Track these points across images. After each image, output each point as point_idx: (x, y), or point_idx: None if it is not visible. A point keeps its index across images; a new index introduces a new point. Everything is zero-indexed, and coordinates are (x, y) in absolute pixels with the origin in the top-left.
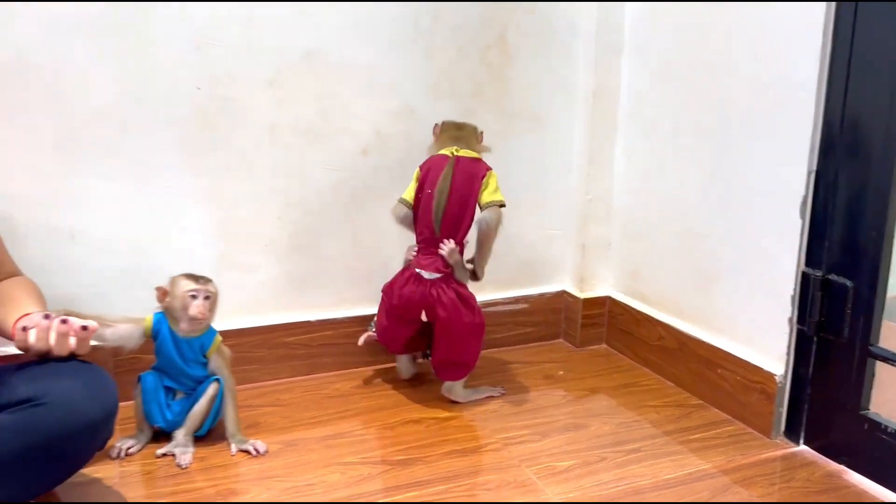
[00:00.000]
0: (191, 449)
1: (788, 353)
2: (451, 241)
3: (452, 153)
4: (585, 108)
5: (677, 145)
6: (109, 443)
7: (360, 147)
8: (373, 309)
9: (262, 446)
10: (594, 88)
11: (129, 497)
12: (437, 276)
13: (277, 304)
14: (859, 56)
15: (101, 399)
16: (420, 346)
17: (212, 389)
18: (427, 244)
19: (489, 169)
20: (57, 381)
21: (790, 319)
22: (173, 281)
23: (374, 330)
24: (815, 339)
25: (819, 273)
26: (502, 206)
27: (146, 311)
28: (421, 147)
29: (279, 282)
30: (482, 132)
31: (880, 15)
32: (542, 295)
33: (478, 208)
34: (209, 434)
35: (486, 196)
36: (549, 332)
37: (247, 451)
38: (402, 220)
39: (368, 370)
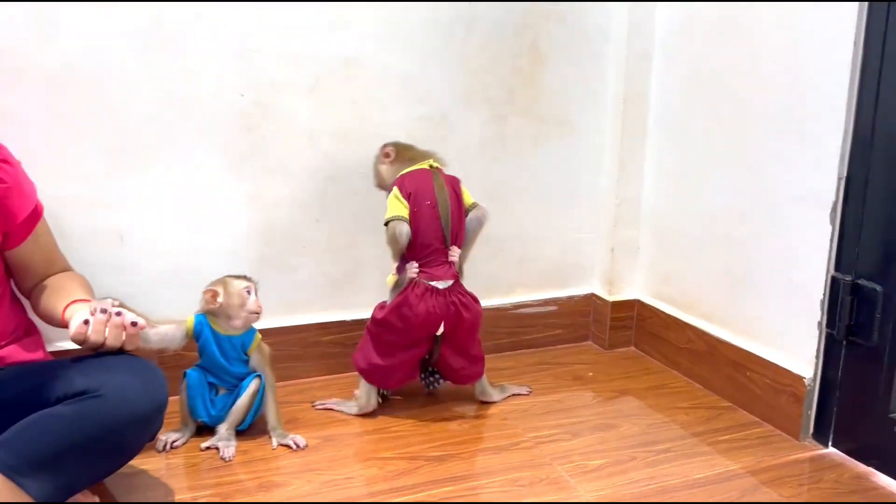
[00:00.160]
0: (233, 443)
1: (817, 357)
2: (455, 246)
3: (431, 166)
4: (616, 114)
5: (707, 150)
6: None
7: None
8: None
9: (301, 441)
10: (624, 94)
11: (175, 488)
12: (451, 282)
13: (314, 304)
14: (891, 61)
15: (153, 393)
16: (416, 373)
17: (253, 385)
18: (436, 255)
19: (456, 178)
20: (112, 374)
21: (819, 323)
22: (224, 282)
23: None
24: (844, 342)
25: (849, 278)
26: None
27: (192, 310)
28: (455, 152)
29: (316, 282)
30: None
31: None
32: (570, 297)
33: None
34: (250, 428)
35: (468, 199)
36: (578, 334)
37: (287, 446)
38: (405, 239)
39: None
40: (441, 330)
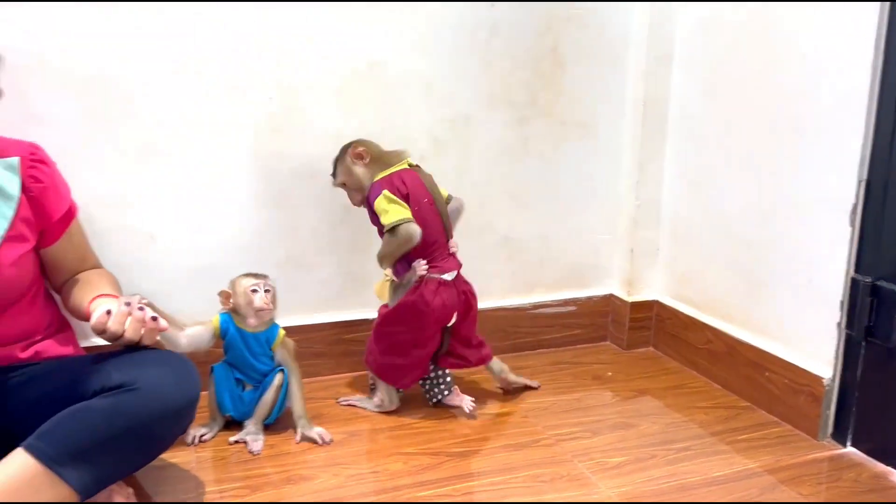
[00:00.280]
0: (261, 437)
1: (836, 357)
2: (453, 239)
3: (410, 164)
4: (636, 116)
5: (726, 152)
6: None
7: (418, 154)
8: None
9: (327, 436)
10: (644, 97)
11: (204, 480)
12: (456, 273)
13: (338, 303)
14: None
15: (186, 386)
16: (427, 369)
17: (277, 380)
18: (441, 249)
19: (429, 173)
20: (147, 368)
21: (839, 324)
22: (233, 282)
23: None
24: (863, 343)
25: (868, 279)
26: None
27: (219, 307)
28: (476, 154)
29: (340, 281)
30: None
31: None
32: (590, 298)
33: None
34: (277, 423)
35: (444, 191)
36: (597, 334)
37: (312, 440)
38: (419, 240)
39: None
40: (453, 320)
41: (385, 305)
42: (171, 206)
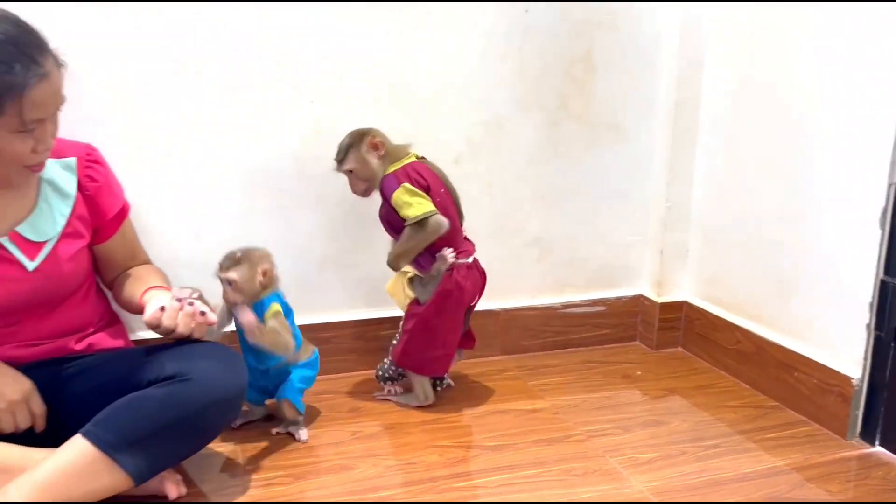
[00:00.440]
0: (304, 427)
1: (865, 358)
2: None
3: (417, 157)
4: (667, 120)
5: (757, 155)
6: None
7: (453, 156)
8: None
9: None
10: (675, 100)
11: (248, 468)
12: (474, 255)
13: (374, 300)
14: None
15: (236, 377)
16: None
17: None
18: (460, 235)
19: None
20: (199, 360)
21: (868, 326)
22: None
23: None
24: (892, 344)
25: None
26: None
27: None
28: (508, 156)
29: (375, 278)
30: None
31: None
32: (619, 298)
33: None
34: (321, 417)
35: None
36: (626, 334)
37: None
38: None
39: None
40: (476, 301)
41: (414, 303)
42: (217, 206)
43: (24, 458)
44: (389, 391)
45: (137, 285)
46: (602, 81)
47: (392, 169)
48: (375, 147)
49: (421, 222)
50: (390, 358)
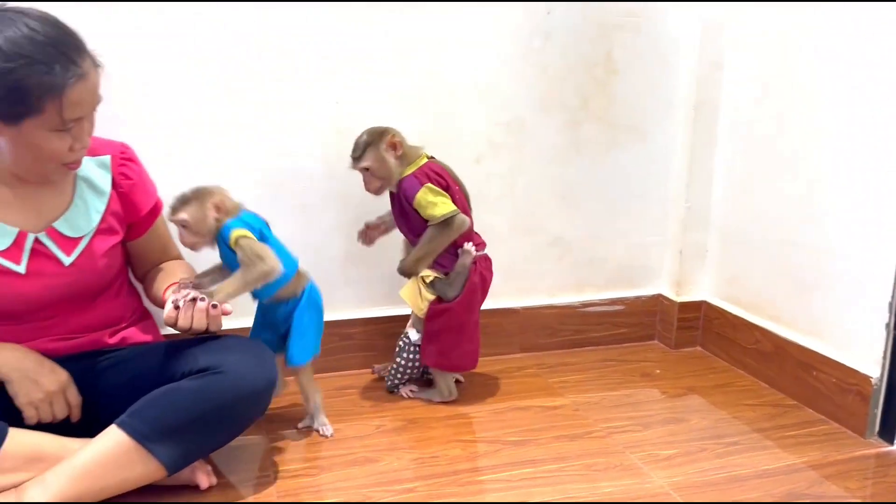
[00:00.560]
0: (327, 422)
1: (885, 357)
2: None
3: (429, 156)
4: (686, 121)
5: (776, 155)
6: None
7: (475, 156)
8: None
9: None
10: (695, 102)
11: (276, 460)
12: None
13: (394, 297)
14: None
15: (266, 370)
16: None
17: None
18: (472, 229)
19: None
20: (230, 353)
21: (887, 325)
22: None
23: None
24: None
25: None
26: None
27: None
28: (530, 156)
29: (396, 276)
30: None
31: None
32: (638, 297)
33: None
34: (346, 412)
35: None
36: (645, 333)
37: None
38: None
39: None
40: None
41: (435, 303)
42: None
43: (61, 448)
44: (408, 394)
45: (162, 281)
46: (623, 83)
47: (410, 170)
48: (394, 146)
49: (447, 221)
50: (405, 361)
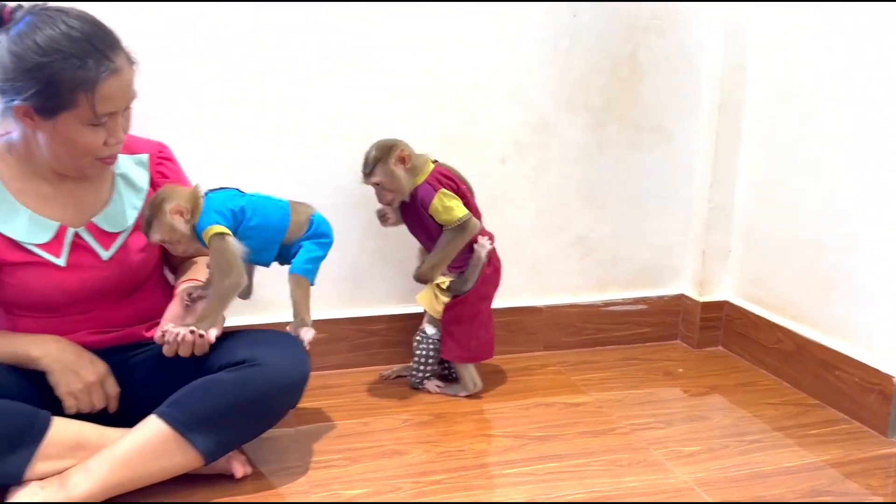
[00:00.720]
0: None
1: None
2: None
3: (434, 161)
4: (710, 122)
5: (799, 156)
6: None
7: (500, 156)
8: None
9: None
10: (719, 103)
11: (306, 451)
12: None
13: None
14: None
15: (301, 364)
16: None
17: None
18: (481, 222)
19: None
20: (267, 347)
21: None
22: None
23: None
24: None
25: None
26: None
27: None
28: (554, 156)
29: None
30: None
31: None
32: (660, 297)
33: None
34: (376, 406)
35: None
36: (667, 332)
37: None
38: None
39: (498, 358)
40: None
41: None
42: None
43: (101, 436)
44: (435, 389)
45: (190, 273)
46: (647, 83)
47: (421, 178)
48: (402, 160)
49: (461, 225)
50: (424, 353)
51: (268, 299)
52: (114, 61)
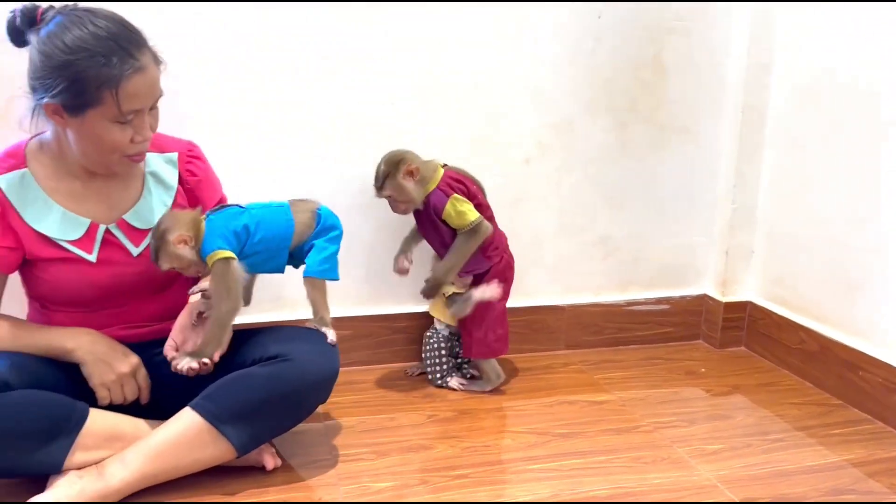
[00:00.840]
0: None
1: None
2: None
3: (442, 165)
4: (734, 123)
5: (824, 157)
6: None
7: (524, 156)
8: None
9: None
10: (743, 104)
11: (334, 445)
12: None
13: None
14: None
15: (331, 360)
16: None
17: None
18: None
19: None
20: (298, 343)
21: None
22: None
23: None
24: None
25: None
26: None
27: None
28: (577, 156)
29: None
30: None
31: None
32: (683, 297)
33: None
34: (402, 404)
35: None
36: (689, 332)
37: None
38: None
39: (520, 357)
40: None
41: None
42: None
43: (136, 428)
44: (458, 385)
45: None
46: (671, 84)
47: (433, 186)
48: (411, 174)
49: (474, 229)
50: (435, 349)
51: (294, 298)
52: (138, 59)
